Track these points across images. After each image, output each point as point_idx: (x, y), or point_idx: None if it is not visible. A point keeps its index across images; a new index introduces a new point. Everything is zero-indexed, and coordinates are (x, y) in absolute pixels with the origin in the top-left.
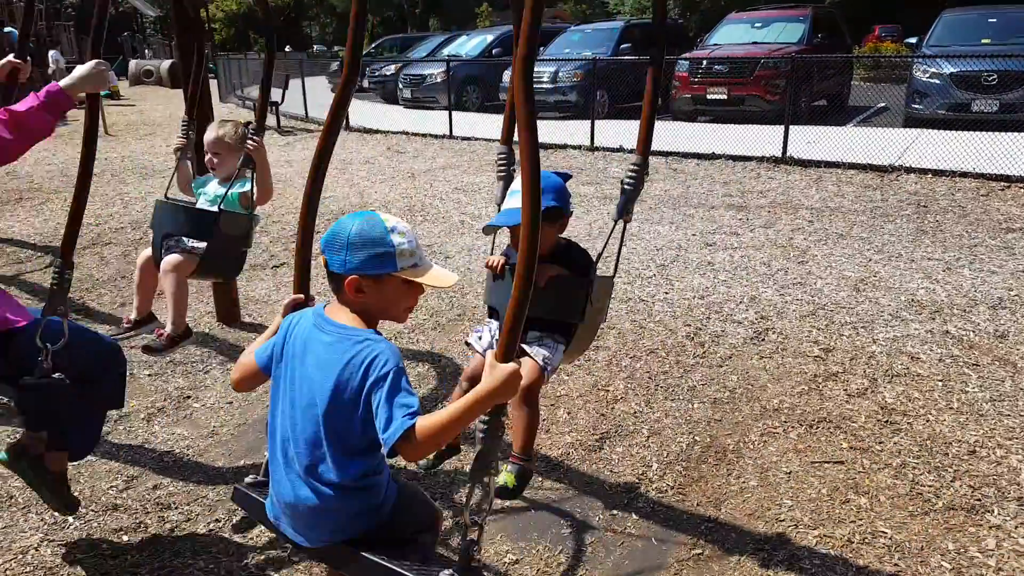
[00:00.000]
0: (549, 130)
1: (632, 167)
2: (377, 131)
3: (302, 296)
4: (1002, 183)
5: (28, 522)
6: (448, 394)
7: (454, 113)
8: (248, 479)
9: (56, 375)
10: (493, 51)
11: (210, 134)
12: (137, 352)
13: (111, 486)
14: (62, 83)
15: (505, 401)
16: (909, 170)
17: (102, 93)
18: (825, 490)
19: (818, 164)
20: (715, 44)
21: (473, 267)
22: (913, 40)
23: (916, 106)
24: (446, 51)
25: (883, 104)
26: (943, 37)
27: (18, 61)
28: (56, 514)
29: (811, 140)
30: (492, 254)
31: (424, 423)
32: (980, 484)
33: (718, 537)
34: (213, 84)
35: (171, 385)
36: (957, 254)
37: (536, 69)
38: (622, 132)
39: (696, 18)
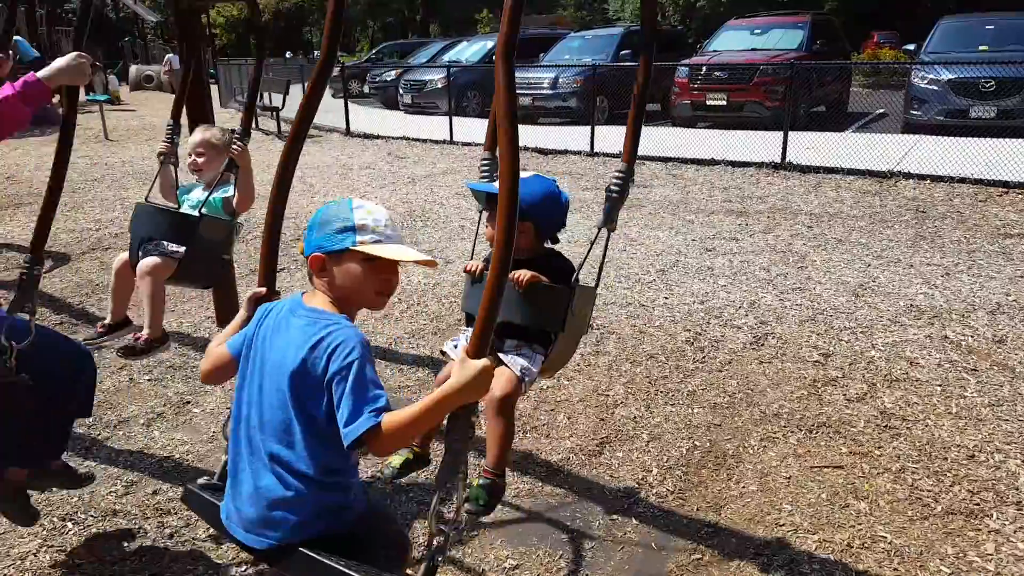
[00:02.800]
0: (549, 136)
1: (617, 174)
2: (377, 136)
3: (264, 289)
4: (1000, 189)
5: (27, 528)
6: None
7: (454, 119)
8: (201, 480)
9: (21, 375)
10: (493, 57)
11: (196, 136)
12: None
13: (110, 491)
14: (40, 74)
15: (475, 399)
16: (908, 176)
17: (101, 98)
18: (824, 495)
19: (817, 170)
20: (714, 50)
21: None
22: (911, 47)
23: (914, 112)
24: (446, 57)
25: (882, 110)
26: (941, 44)
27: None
28: (55, 519)
29: (810, 146)
30: (472, 259)
31: (390, 420)
32: (979, 489)
33: (718, 542)
34: (214, 89)
35: (171, 390)
36: (955, 259)
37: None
38: (622, 138)
39: (696, 24)
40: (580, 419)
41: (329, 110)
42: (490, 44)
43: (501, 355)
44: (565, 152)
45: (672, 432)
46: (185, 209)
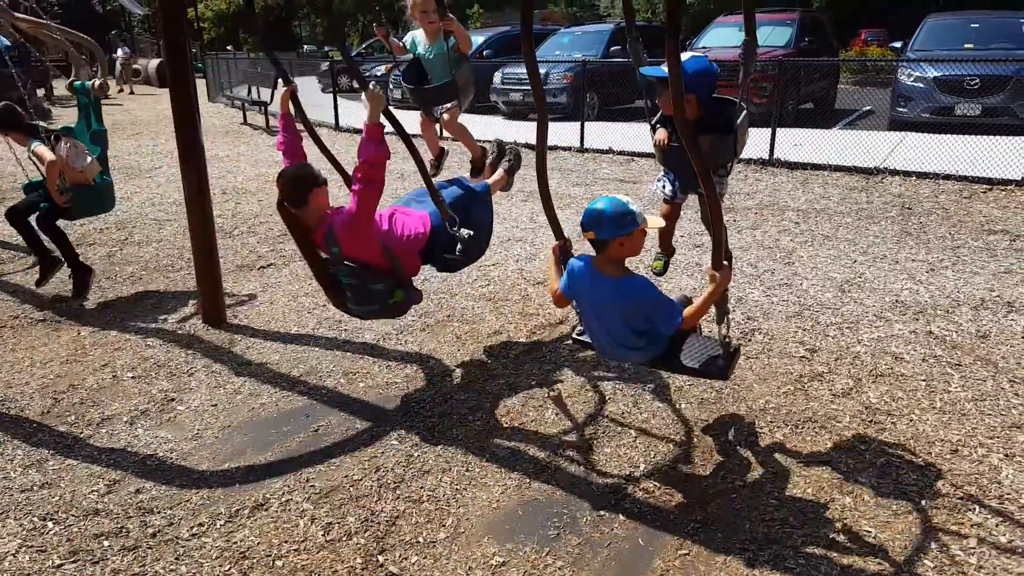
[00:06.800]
0: None
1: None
2: None
3: (561, 242)
4: (984, 186)
5: (6, 528)
6: (443, 396)
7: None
8: (577, 331)
9: (466, 234)
10: (484, 52)
11: (411, 1)
12: (120, 354)
13: (92, 490)
14: (367, 120)
15: (725, 290)
16: (894, 172)
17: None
18: (810, 490)
19: (804, 166)
20: (704, 47)
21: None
22: (898, 44)
23: (901, 109)
24: None
25: (869, 107)
26: (927, 42)
27: None
28: (35, 519)
29: (798, 143)
30: (654, 132)
31: (687, 313)
32: (962, 483)
33: (704, 537)
34: (201, 83)
35: (155, 387)
36: (940, 255)
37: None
38: (612, 134)
39: (685, 21)
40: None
41: (318, 105)
42: (480, 39)
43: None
44: (555, 148)
45: (659, 428)
46: (423, 60)
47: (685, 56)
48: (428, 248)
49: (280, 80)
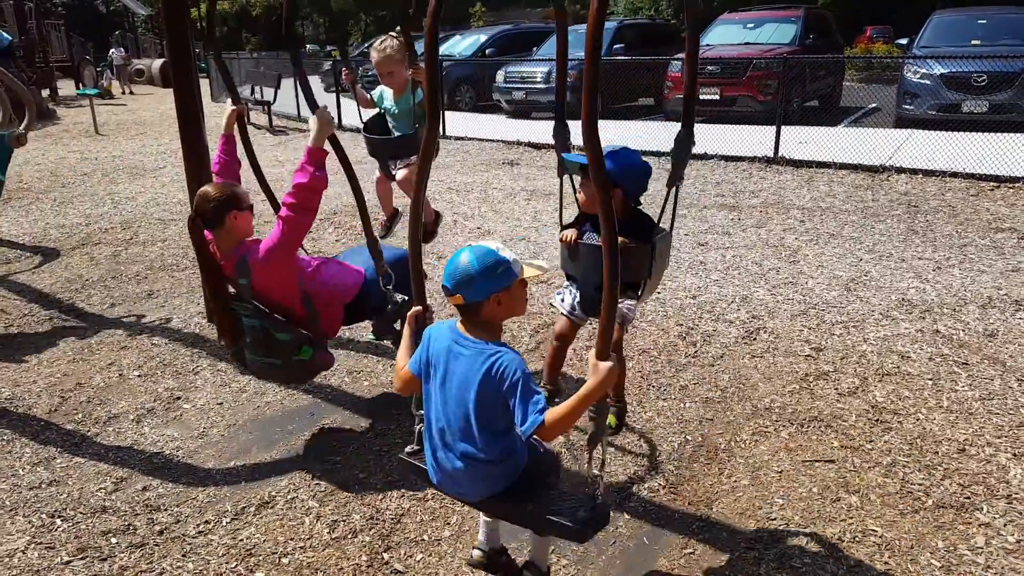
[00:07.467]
0: (543, 130)
1: (677, 138)
2: None
3: (421, 307)
4: (991, 183)
5: (15, 525)
6: None
7: (447, 113)
8: (408, 449)
9: (399, 298)
10: (486, 51)
11: (376, 56)
12: (126, 352)
13: (100, 488)
14: (310, 142)
15: (608, 389)
16: (900, 170)
17: (91, 92)
18: (816, 489)
19: (809, 164)
20: (707, 44)
21: None
22: (904, 41)
23: (907, 107)
24: (439, 51)
25: (874, 105)
26: (933, 38)
27: None
28: (44, 516)
29: (803, 140)
30: (561, 229)
31: (551, 416)
32: (970, 482)
33: (709, 536)
34: (204, 83)
35: (161, 386)
36: (947, 254)
37: (530, 69)
38: (616, 132)
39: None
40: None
41: (320, 104)
42: (483, 38)
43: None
44: None
45: (664, 427)
46: (388, 117)
47: (617, 146)
48: (356, 305)
49: (255, 89)
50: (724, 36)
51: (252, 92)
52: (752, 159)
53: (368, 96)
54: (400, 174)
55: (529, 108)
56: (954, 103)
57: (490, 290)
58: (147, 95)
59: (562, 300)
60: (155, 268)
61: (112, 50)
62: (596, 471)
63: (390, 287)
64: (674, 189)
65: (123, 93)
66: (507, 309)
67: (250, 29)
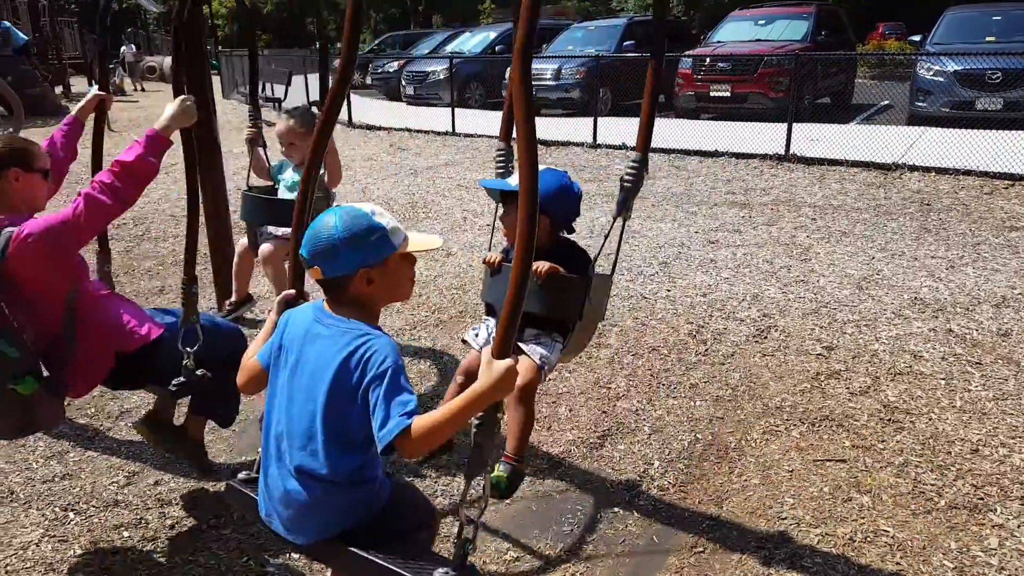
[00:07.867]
0: (552, 127)
1: (632, 164)
2: (379, 128)
3: (294, 292)
4: (1006, 181)
5: (29, 518)
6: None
7: (457, 110)
8: (241, 475)
9: (199, 372)
10: (496, 48)
11: (281, 126)
12: None
13: (112, 482)
14: (156, 126)
15: (502, 398)
16: (913, 168)
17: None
18: (827, 488)
19: (821, 162)
20: (718, 41)
21: (475, 264)
22: (917, 38)
23: (920, 104)
24: (449, 48)
25: (887, 102)
26: (947, 35)
27: None
28: (57, 509)
29: (814, 138)
30: (490, 251)
31: (420, 422)
32: (983, 483)
33: (719, 535)
34: (216, 81)
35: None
36: (960, 252)
37: (539, 66)
38: (625, 129)
39: (700, 15)
40: (582, 412)
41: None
42: (493, 35)
43: (521, 344)
44: (568, 144)
45: (674, 425)
46: (282, 189)
47: (542, 167)
48: (135, 361)
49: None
50: (735, 33)
51: (263, 89)
52: (763, 156)
53: (267, 165)
54: (264, 247)
55: (538, 105)
56: (968, 100)
57: (358, 263)
58: (159, 92)
59: (476, 335)
60: (167, 264)
61: (123, 47)
62: (470, 514)
63: (190, 350)
64: (620, 221)
65: (135, 90)
66: (383, 290)
67: (261, 26)
